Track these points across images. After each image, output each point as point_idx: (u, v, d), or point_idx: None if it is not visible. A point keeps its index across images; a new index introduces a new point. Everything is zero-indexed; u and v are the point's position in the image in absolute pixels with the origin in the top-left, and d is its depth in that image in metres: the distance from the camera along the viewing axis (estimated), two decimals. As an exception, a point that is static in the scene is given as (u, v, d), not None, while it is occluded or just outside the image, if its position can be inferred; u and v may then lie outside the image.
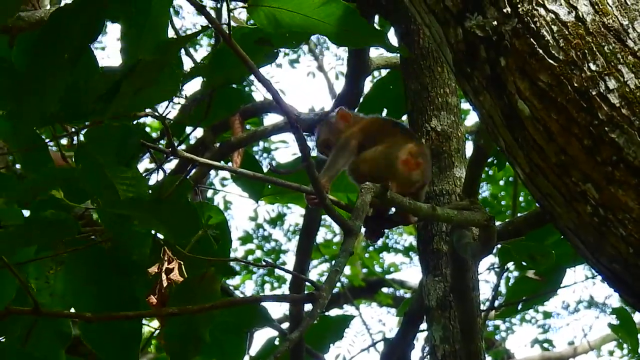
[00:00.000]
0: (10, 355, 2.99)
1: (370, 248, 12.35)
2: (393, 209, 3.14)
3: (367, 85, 4.88)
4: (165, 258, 3.00)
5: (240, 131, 5.11)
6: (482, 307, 4.26)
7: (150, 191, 2.84)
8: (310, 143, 3.29)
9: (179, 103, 3.35)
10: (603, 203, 2.13)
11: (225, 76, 2.99)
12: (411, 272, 16.90)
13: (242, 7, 2.82)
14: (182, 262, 3.02)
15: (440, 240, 3.89)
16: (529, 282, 4.81)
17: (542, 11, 2.17)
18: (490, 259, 9.54)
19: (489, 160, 4.72)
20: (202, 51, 11.01)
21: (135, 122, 3.15)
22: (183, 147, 4.98)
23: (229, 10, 2.66)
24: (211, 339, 3.08)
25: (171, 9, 2.97)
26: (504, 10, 2.20)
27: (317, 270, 12.33)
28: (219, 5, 5.27)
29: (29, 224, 2.90)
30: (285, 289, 12.42)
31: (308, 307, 2.35)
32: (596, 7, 2.17)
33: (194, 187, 4.64)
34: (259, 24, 2.75)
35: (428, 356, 3.96)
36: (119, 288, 2.99)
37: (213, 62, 2.93)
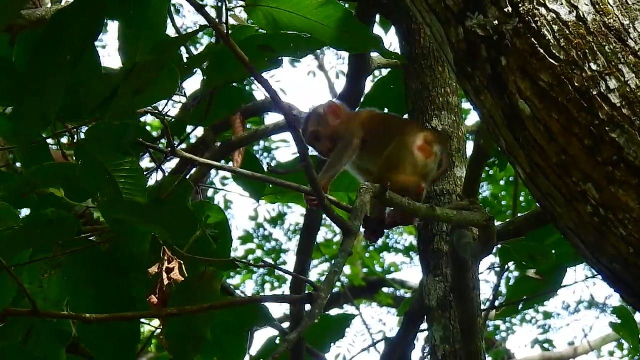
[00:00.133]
0: (10, 355, 2.99)
1: (371, 248, 12.35)
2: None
3: (368, 85, 4.88)
4: (166, 257, 3.00)
5: (241, 130, 5.10)
6: (483, 307, 4.25)
7: (149, 191, 2.84)
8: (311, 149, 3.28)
9: (180, 102, 3.35)
10: (603, 203, 2.13)
11: (225, 78, 2.99)
12: (412, 272, 16.91)
13: (242, 6, 2.81)
14: (182, 262, 3.03)
15: (441, 240, 3.89)
16: (529, 281, 4.81)
17: (543, 11, 2.17)
18: (491, 259, 9.55)
19: (490, 160, 4.71)
20: (202, 50, 11.00)
21: (136, 121, 3.15)
22: (184, 146, 4.98)
23: (227, 11, 2.66)
24: (212, 339, 3.08)
25: (172, 8, 2.96)
26: (505, 10, 2.20)
27: (318, 270, 12.34)
28: (219, 4, 5.26)
29: (29, 223, 2.90)
30: (285, 288, 12.44)
31: (308, 307, 2.35)
32: (597, 6, 2.17)
33: (194, 187, 4.63)
34: (258, 24, 2.75)
35: (428, 356, 3.96)
36: (118, 288, 3.00)
37: (213, 63, 2.93)
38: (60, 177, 2.91)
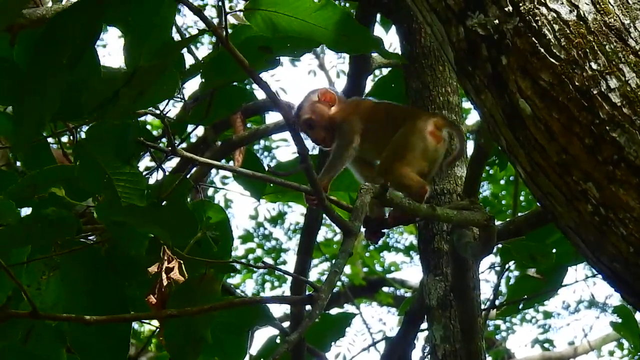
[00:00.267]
0: (10, 355, 2.99)
1: (371, 247, 12.34)
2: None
3: (369, 84, 4.88)
4: (165, 257, 3.00)
5: (242, 129, 5.10)
6: (483, 306, 4.25)
7: (149, 190, 2.84)
8: (309, 144, 3.26)
9: (181, 100, 3.35)
10: (604, 202, 2.13)
11: (224, 80, 2.99)
12: (412, 272, 16.90)
13: (240, 10, 2.81)
14: (182, 262, 3.02)
15: (441, 239, 3.89)
16: (529, 281, 4.81)
17: (543, 10, 2.17)
18: (491, 258, 9.54)
19: (490, 159, 4.71)
20: (203, 49, 11.01)
21: (136, 121, 3.15)
22: (184, 145, 4.98)
23: (226, 14, 2.67)
24: (212, 339, 3.07)
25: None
26: (506, 9, 2.19)
27: (318, 269, 12.34)
28: (219, 4, 5.26)
29: (29, 221, 2.89)
30: (286, 287, 12.43)
31: (309, 306, 2.35)
32: (597, 6, 2.17)
33: (194, 186, 4.63)
34: (257, 28, 2.75)
35: (429, 356, 3.96)
36: (116, 290, 2.99)
37: (213, 65, 2.93)
38: (61, 178, 2.91)
